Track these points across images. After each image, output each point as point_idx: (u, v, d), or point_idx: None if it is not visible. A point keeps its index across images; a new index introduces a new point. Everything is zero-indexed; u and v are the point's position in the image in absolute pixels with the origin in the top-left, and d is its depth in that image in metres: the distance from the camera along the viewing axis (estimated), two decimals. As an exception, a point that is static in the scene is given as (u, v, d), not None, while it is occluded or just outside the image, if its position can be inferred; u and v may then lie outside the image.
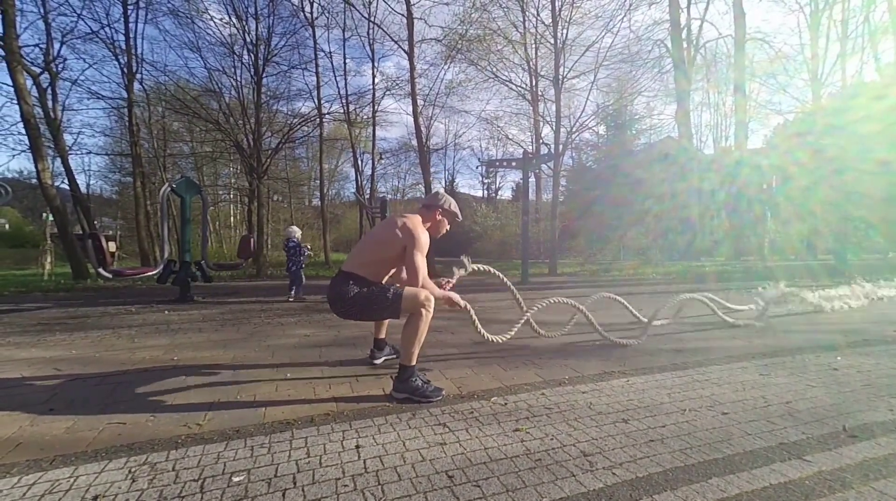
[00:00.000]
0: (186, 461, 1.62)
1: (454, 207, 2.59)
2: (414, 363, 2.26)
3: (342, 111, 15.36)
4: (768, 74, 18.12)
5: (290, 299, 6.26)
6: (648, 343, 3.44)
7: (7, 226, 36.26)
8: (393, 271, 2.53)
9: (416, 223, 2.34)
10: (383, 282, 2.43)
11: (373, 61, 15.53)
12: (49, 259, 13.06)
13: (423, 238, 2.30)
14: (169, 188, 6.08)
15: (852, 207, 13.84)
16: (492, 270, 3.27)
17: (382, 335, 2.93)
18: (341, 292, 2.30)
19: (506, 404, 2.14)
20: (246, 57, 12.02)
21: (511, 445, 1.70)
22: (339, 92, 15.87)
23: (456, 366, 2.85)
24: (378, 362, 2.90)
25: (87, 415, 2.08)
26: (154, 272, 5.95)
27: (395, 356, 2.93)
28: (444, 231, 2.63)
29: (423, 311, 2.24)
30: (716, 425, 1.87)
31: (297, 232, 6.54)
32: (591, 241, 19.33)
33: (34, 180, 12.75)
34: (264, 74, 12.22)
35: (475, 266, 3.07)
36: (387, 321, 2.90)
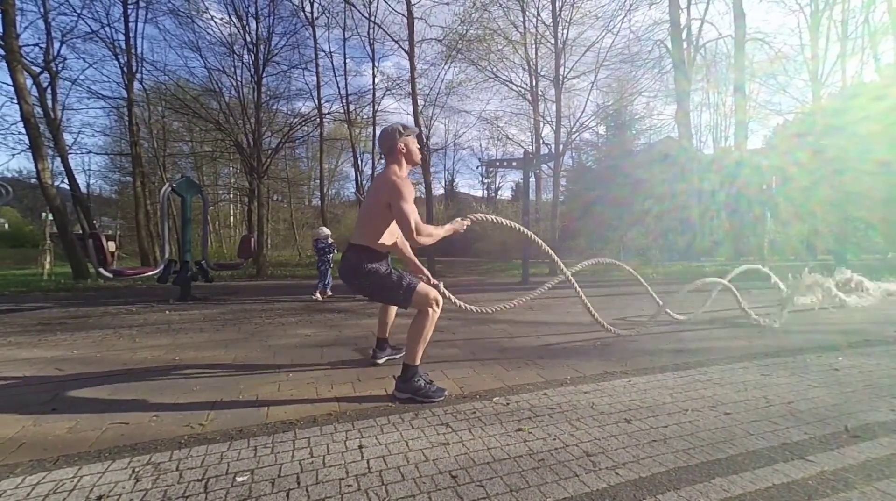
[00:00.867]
0: (190, 461, 1.63)
1: (404, 127, 2.39)
2: (418, 362, 2.26)
3: (342, 111, 15.34)
4: (768, 75, 18.12)
5: (322, 297, 6.45)
6: (648, 343, 3.45)
7: (7, 226, 36.22)
8: (396, 231, 2.40)
9: (394, 173, 2.26)
10: (388, 242, 2.38)
11: (373, 61, 15.50)
12: (49, 259, 13.06)
13: (404, 187, 2.18)
14: (169, 188, 6.08)
15: (852, 207, 13.85)
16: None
17: (385, 335, 2.93)
18: (354, 266, 2.28)
19: (508, 404, 2.15)
20: (246, 57, 12.01)
21: (514, 445, 1.71)
22: (339, 92, 15.85)
23: (458, 366, 2.86)
24: (380, 362, 2.90)
25: (90, 415, 2.08)
26: (154, 272, 5.95)
27: (396, 357, 2.93)
28: (418, 151, 2.44)
29: (430, 310, 2.23)
30: (718, 425, 1.88)
31: (325, 232, 6.71)
32: (591, 241, 19.33)
33: (34, 180, 12.75)
34: (264, 74, 12.20)
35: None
36: (391, 321, 2.91)
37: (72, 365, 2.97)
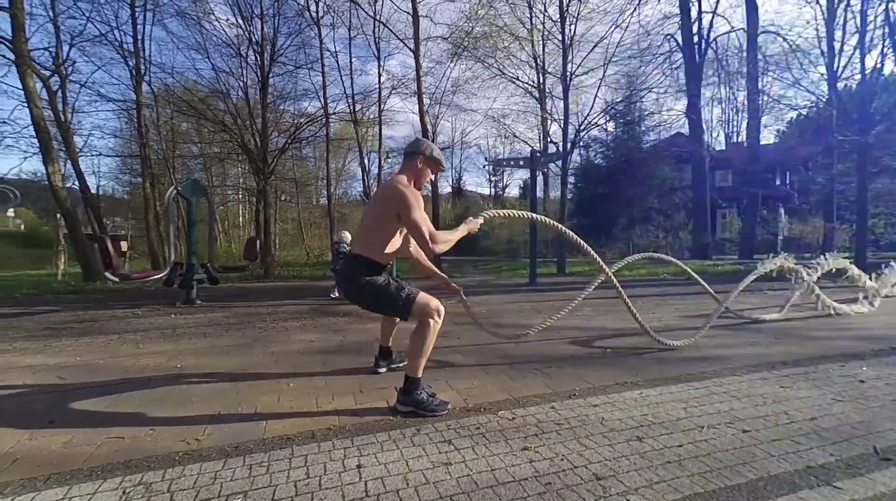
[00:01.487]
0: (182, 480, 1.57)
1: (437, 153, 2.35)
2: (420, 375, 2.18)
3: (348, 111, 15.29)
4: (782, 68, 17.67)
5: (333, 296, 6.65)
6: (660, 350, 3.33)
7: (23, 226, 36.98)
8: (399, 242, 2.35)
9: (402, 183, 2.20)
10: (390, 254, 2.31)
11: (378, 60, 15.43)
12: (63, 260, 13.26)
13: (413, 196, 2.13)
14: (175, 191, 6.08)
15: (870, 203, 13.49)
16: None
17: (388, 344, 2.87)
18: (352, 277, 2.22)
19: (514, 418, 2.06)
20: (252, 57, 12.01)
21: (519, 466, 1.62)
22: (344, 91, 15.83)
23: (462, 375, 2.78)
24: (382, 371, 2.83)
25: (87, 428, 2.05)
26: (160, 276, 5.96)
27: (400, 364, 2.86)
28: (428, 180, 2.41)
29: (432, 321, 2.16)
30: (736, 444, 1.77)
31: (345, 237, 6.71)
32: (599, 240, 19.11)
33: (47, 182, 12.89)
34: (270, 75, 12.19)
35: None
36: (394, 329, 2.84)
37: (74, 373, 2.95)
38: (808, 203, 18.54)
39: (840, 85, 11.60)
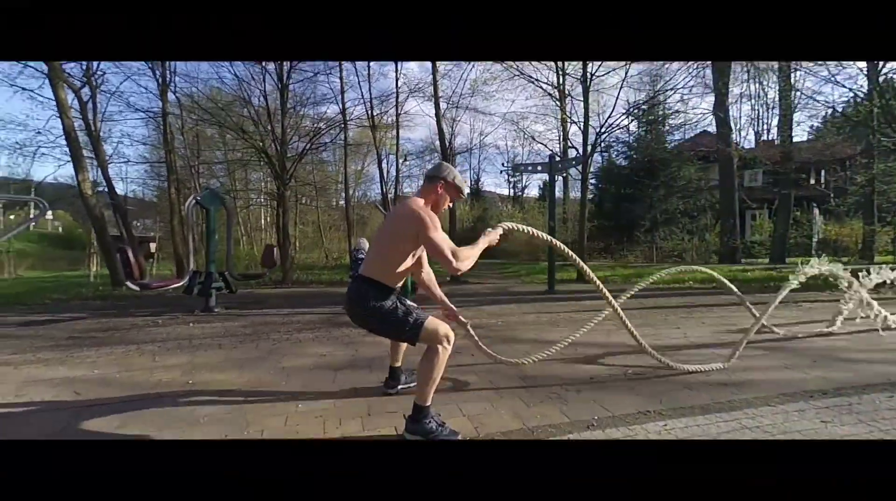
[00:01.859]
0: (180, 519, 1.52)
1: (459, 180, 2.28)
2: (429, 403, 2.09)
3: (366, 116, 15.39)
4: (817, 63, 16.82)
5: None
6: (686, 374, 3.14)
7: (60, 229, 38.87)
8: (411, 264, 2.26)
9: (418, 204, 2.12)
10: (400, 277, 2.23)
11: (396, 63, 15.45)
12: (95, 262, 13.77)
13: (430, 216, 2.05)
14: (194, 200, 6.18)
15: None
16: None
17: (398, 363, 2.79)
18: (358, 301, 2.13)
19: (527, 453, 1.94)
20: (271, 65, 12.18)
21: (531, 514, 1.50)
22: (362, 95, 15.92)
23: (474, 398, 2.68)
24: (393, 392, 2.75)
25: (93, 453, 2.03)
26: (180, 284, 6.07)
27: (410, 385, 2.78)
28: (446, 207, 2.35)
29: (440, 348, 2.07)
30: (773, 494, 1.60)
31: (365, 244, 6.71)
32: (621, 243, 18.65)
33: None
34: (290, 82, 12.37)
35: None
36: (403, 349, 2.76)
37: (90, 387, 2.99)
38: (846, 204, 17.51)
39: (881, 79, 10.94)
